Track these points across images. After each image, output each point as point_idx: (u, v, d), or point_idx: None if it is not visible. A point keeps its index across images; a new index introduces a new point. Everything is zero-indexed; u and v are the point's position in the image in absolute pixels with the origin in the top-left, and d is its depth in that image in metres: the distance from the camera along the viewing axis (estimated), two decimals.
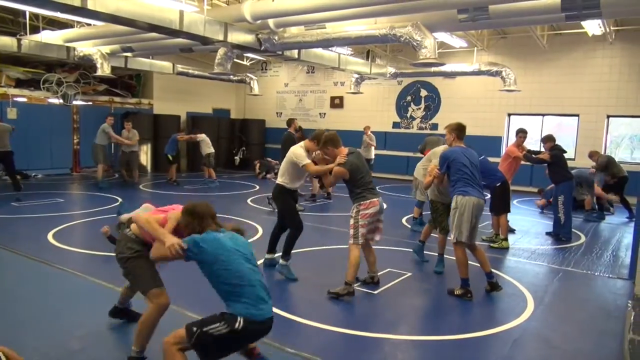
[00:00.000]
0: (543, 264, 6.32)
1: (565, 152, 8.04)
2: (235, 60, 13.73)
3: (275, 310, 4.38)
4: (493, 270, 5.13)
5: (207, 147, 12.57)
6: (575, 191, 9.48)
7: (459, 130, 5.09)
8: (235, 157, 16.99)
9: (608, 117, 12.57)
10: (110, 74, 10.91)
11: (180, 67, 14.26)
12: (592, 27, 10.38)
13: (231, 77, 14.62)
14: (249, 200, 10.43)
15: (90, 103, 14.29)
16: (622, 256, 6.83)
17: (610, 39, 11.74)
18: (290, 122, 10.26)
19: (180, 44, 10.10)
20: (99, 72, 10.76)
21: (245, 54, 14.14)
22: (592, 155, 10.23)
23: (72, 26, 10.67)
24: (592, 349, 4.03)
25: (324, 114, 16.98)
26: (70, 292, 4.82)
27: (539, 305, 4.79)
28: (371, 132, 13.40)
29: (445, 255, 5.77)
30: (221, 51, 9.45)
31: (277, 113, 18.08)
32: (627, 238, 7.80)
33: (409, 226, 8.17)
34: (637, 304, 4.76)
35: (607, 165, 9.82)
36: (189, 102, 16.79)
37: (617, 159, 11.41)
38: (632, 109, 11.85)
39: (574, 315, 4.74)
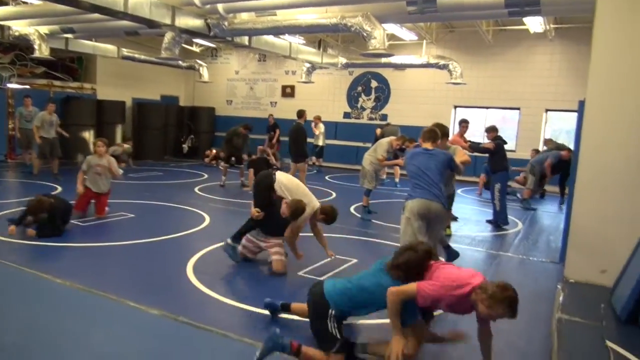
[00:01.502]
0: (482, 250, 6.59)
1: (505, 143, 8.43)
2: (184, 45, 13.44)
3: (213, 293, 4.38)
4: None
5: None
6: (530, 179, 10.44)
7: (425, 132, 4.74)
8: (184, 145, 16.62)
9: (547, 111, 13.19)
10: (49, 56, 10.39)
11: (125, 51, 13.76)
12: (534, 24, 10.83)
13: (180, 63, 14.25)
14: (196, 189, 10.26)
15: (28, 87, 13.53)
16: (555, 241, 7.22)
17: (550, 36, 12.27)
18: (301, 113, 9.90)
19: (126, 27, 9.75)
20: (37, 54, 10.22)
21: (194, 40, 13.82)
22: (547, 142, 11.21)
23: (6, 3, 10.05)
24: (524, 329, 4.23)
25: (275, 102, 16.88)
26: (1, 283, 4.60)
27: None
28: (321, 122, 13.89)
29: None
30: (169, 35, 9.20)
31: (227, 101, 17.82)
32: (561, 225, 8.24)
33: (359, 215, 8.28)
34: (566, 286, 5.07)
35: (558, 146, 10.69)
36: (135, 87, 16.24)
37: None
38: (569, 104, 12.40)
39: None
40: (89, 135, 14.23)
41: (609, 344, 3.73)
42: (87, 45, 12.48)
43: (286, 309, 3.84)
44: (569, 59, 12.56)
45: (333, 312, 3.24)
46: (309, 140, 14.04)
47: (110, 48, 13.23)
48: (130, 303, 4.07)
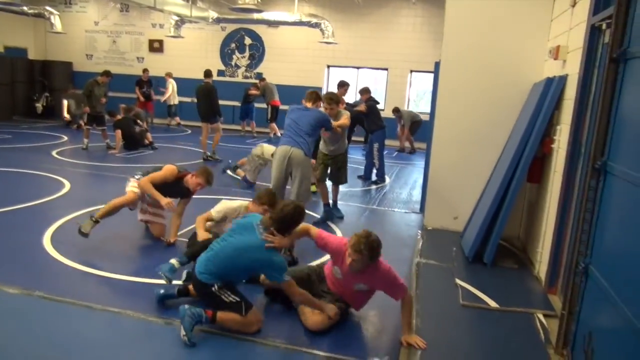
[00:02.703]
0: (353, 204, 6.95)
1: (378, 103, 8.83)
2: None
3: (73, 264, 4.11)
4: (308, 212, 5.43)
5: None
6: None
7: (308, 93, 5.24)
8: (37, 105, 14.83)
9: (411, 72, 14.03)
10: None
11: None
12: None
13: (24, 9, 12.53)
14: (54, 153, 9.31)
15: None
16: (416, 194, 7.87)
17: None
18: (209, 72, 9.48)
19: None
20: None
21: None
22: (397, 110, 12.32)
23: None
24: None
25: (142, 58, 15.74)
26: None
27: None
28: (173, 78, 13.89)
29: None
30: None
31: (87, 55, 16.18)
32: (422, 178, 8.97)
33: (238, 177, 8.11)
34: (425, 233, 5.58)
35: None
36: None
37: (418, 111, 13.10)
38: (430, 66, 13.20)
39: None
40: None
41: (458, 281, 4.22)
42: None
43: (184, 293, 3.51)
44: (430, 22, 13.36)
45: (217, 285, 3.18)
46: (158, 98, 13.71)
47: None
48: None
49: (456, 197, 5.64)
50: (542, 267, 4.36)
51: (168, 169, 4.65)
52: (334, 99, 5.55)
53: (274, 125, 12.84)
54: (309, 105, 5.16)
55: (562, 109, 4.36)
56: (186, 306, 3.09)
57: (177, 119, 14.25)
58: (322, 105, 5.44)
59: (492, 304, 3.83)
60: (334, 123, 5.38)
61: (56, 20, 13.65)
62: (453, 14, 5.45)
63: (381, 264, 3.27)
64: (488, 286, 4.16)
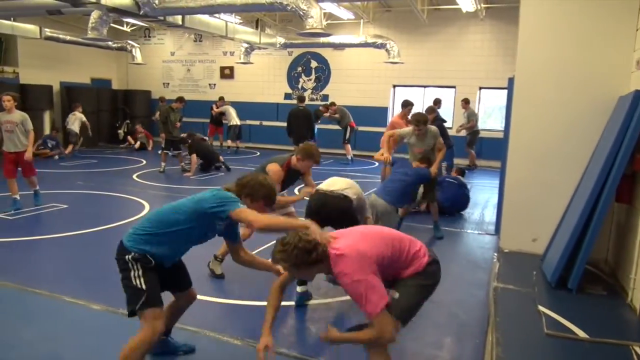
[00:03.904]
0: (422, 225, 6.79)
1: (445, 121, 8.69)
2: (113, 25, 12.76)
3: None
4: None
5: None
6: None
7: (420, 158, 5.91)
8: (119, 131, 15.90)
9: (480, 88, 13.67)
10: None
11: (48, 32, 12.87)
12: (465, 3, 11.10)
13: (109, 43, 13.54)
14: (134, 176, 9.88)
15: None
16: (489, 214, 7.56)
17: (481, 15, 12.65)
18: (303, 97, 10.33)
19: (47, 5, 9.11)
20: None
21: (123, 19, 13.11)
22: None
23: None
24: (464, 298, 4.43)
25: (214, 84, 16.48)
26: None
27: None
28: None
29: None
30: (95, 14, 8.71)
31: (164, 84, 17.18)
32: (495, 198, 8.62)
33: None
34: (501, 256, 5.33)
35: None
36: (63, 70, 15.28)
37: (488, 128, 12.72)
38: (500, 82, 12.86)
39: (449, 269, 5.13)
40: None
41: (541, 308, 3.96)
42: (5, 25, 11.57)
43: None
44: (499, 38, 13.01)
45: (132, 254, 2.55)
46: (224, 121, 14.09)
47: (31, 28, 12.34)
48: (65, 298, 3.89)
49: (535, 218, 5.35)
50: (636, 294, 4.01)
51: (274, 173, 4.39)
52: (421, 120, 5.92)
53: (348, 146, 12.95)
54: (415, 164, 5.83)
55: None
56: None
57: (230, 141, 14.37)
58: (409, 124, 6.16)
59: (581, 333, 3.56)
60: (432, 170, 5.76)
61: (137, 53, 14.64)
62: (528, 27, 5.26)
63: (337, 255, 2.38)
64: (574, 314, 3.88)
